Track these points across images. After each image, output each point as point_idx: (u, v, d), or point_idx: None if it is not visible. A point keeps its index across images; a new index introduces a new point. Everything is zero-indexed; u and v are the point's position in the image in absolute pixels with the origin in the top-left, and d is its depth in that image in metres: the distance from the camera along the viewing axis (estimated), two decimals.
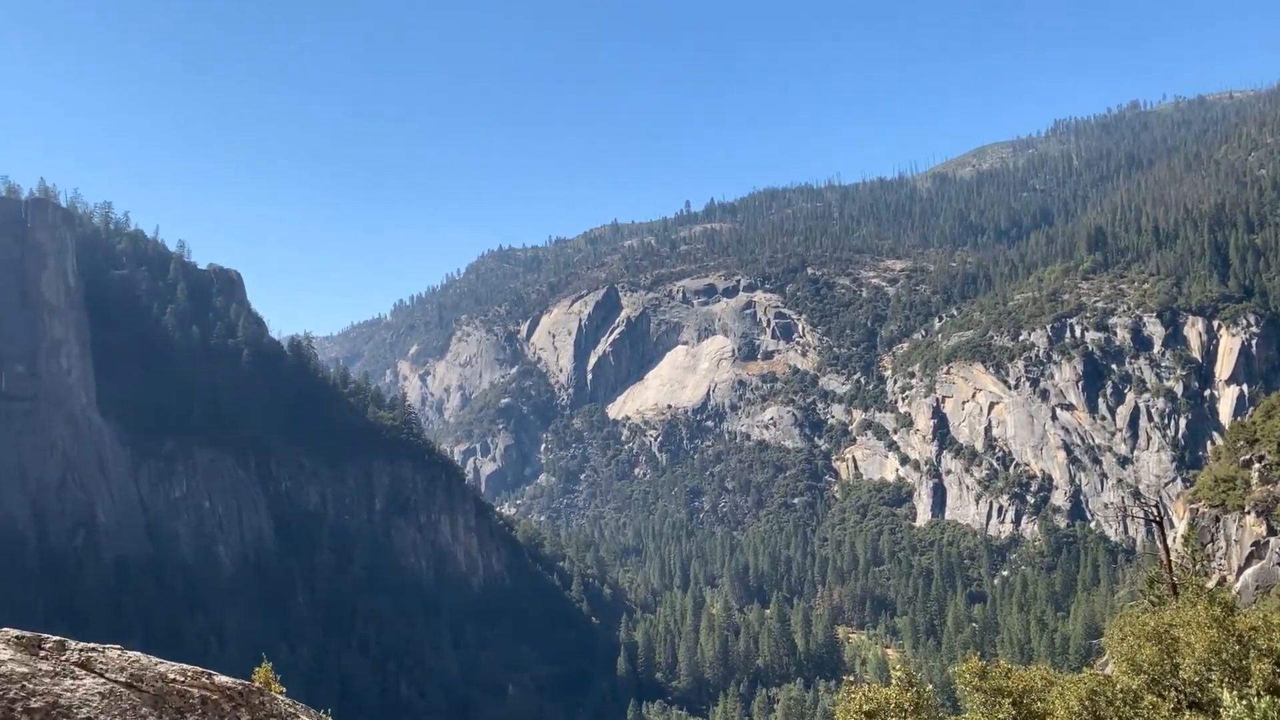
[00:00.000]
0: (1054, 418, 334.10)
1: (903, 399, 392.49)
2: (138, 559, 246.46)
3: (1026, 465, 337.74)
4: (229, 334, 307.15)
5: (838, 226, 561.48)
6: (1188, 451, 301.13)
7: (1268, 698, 25.64)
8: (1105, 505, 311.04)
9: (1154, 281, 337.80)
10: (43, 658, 13.63)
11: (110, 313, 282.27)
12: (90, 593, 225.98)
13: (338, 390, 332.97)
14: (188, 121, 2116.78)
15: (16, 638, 13.89)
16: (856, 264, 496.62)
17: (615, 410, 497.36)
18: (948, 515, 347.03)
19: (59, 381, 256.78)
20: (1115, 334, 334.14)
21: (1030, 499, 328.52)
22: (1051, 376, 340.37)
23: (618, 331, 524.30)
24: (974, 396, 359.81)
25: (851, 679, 37.31)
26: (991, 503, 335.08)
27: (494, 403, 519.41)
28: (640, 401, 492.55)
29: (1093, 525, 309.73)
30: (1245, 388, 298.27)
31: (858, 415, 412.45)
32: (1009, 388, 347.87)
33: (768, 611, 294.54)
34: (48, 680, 13.04)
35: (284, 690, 18.42)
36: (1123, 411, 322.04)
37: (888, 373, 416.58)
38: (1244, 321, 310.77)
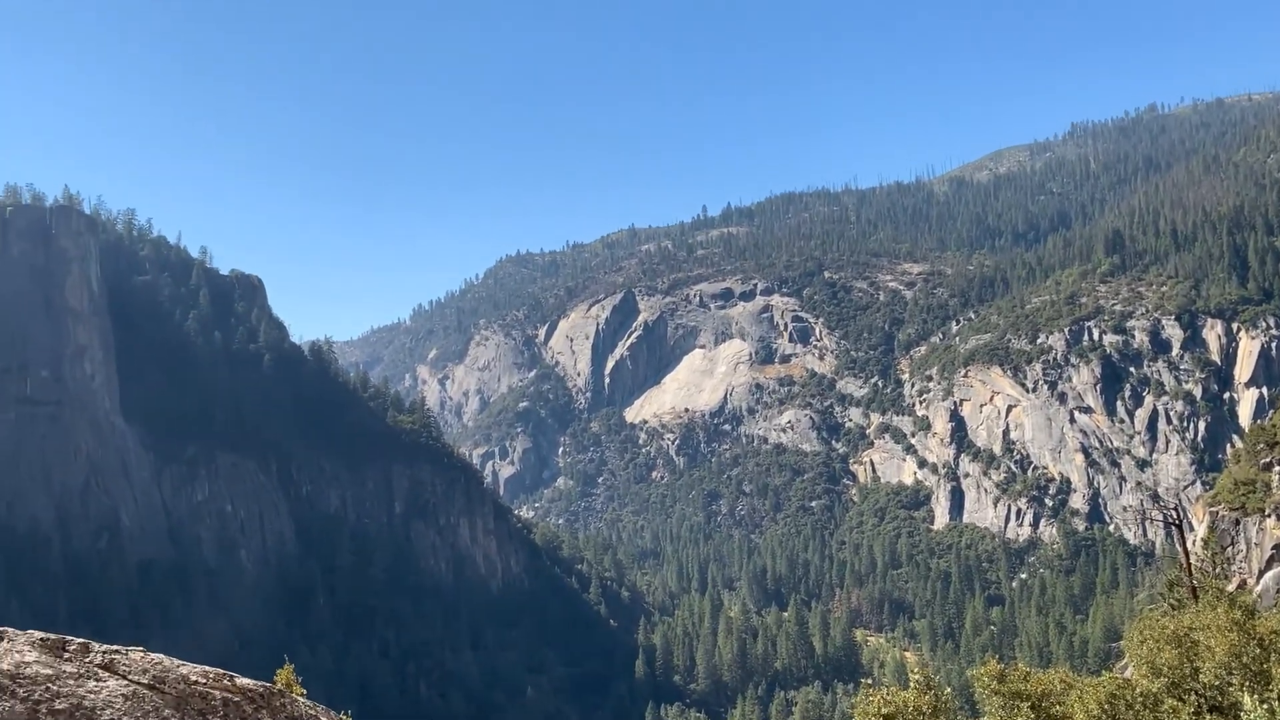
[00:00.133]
0: (1072, 421, 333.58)
1: (920, 402, 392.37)
2: (161, 562, 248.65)
3: (1045, 468, 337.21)
4: (250, 339, 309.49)
5: (855, 230, 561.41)
6: (1207, 454, 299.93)
7: None
8: (1124, 508, 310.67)
9: (1172, 284, 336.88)
10: (67, 660, 13.74)
11: (133, 318, 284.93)
12: (114, 595, 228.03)
13: (358, 394, 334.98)
14: (213, 130, 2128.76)
15: (41, 640, 14.02)
16: (874, 267, 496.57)
17: (633, 414, 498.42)
18: (966, 518, 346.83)
19: (83, 386, 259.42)
20: (1133, 337, 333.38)
21: (1048, 502, 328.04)
22: (1069, 379, 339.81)
23: (635, 335, 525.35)
24: (992, 399, 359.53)
25: (870, 682, 37.58)
26: (1010, 506, 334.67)
27: (512, 406, 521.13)
28: (658, 405, 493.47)
29: (1111, 528, 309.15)
30: (1265, 390, 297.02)
31: (875, 418, 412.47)
32: (1027, 391, 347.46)
33: (786, 614, 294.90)
34: (72, 682, 13.16)
35: (305, 692, 18.55)
36: (1141, 414, 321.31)
37: (905, 376, 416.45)
38: (1264, 324, 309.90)
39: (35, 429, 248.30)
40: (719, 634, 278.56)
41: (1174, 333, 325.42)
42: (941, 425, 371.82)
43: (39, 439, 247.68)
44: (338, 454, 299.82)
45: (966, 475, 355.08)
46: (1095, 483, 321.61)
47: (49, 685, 12.83)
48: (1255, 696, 27.15)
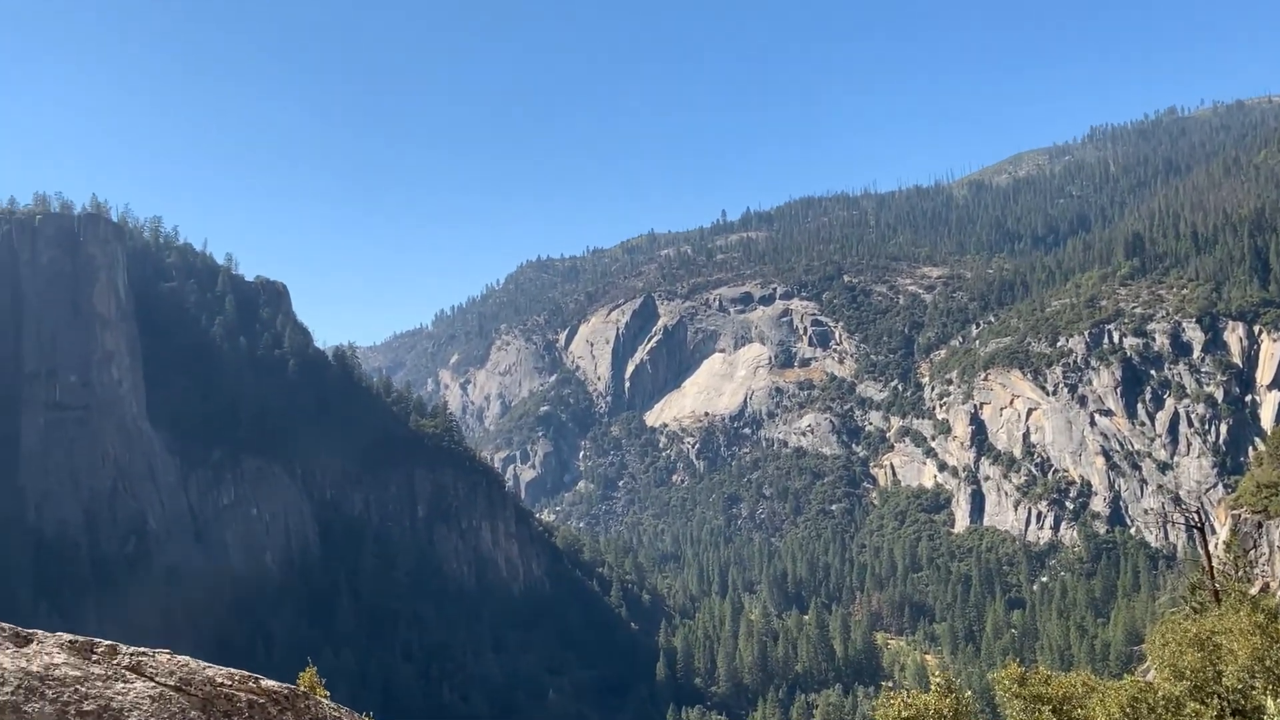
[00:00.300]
0: (1092, 424, 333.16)
1: (940, 406, 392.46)
2: (187, 565, 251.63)
3: (1065, 471, 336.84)
4: (275, 345, 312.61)
5: (874, 234, 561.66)
6: (1229, 457, 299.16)
7: None
8: (1145, 511, 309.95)
9: (1193, 287, 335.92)
10: (95, 662, 13.87)
11: (160, 324, 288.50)
12: (141, 598, 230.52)
13: (381, 399, 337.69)
14: (239, 139, 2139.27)
15: (70, 642, 14.15)
16: (893, 271, 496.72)
17: (653, 418, 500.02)
18: (986, 521, 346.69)
19: (110, 392, 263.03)
20: (1154, 340, 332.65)
21: (1069, 505, 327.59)
22: (1090, 382, 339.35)
23: (655, 340, 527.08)
24: (1012, 403, 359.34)
25: (890, 685, 38.29)
26: (1030, 509, 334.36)
27: (533, 411, 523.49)
28: (678, 409, 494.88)
29: (1133, 531, 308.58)
30: None
31: (895, 422, 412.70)
32: (1047, 394, 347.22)
33: (806, 617, 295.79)
34: (100, 684, 13.30)
35: (328, 694, 18.76)
36: (1162, 417, 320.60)
37: (925, 380, 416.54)
38: None
39: (64, 433, 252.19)
40: (740, 637, 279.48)
41: (1195, 335, 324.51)
42: (961, 428, 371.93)
43: (68, 443, 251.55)
44: (361, 458, 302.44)
45: (987, 478, 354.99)
46: (1116, 486, 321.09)
47: (77, 687, 12.99)
48: (1278, 700, 27.18)
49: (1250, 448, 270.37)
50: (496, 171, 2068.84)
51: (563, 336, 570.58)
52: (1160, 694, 30.31)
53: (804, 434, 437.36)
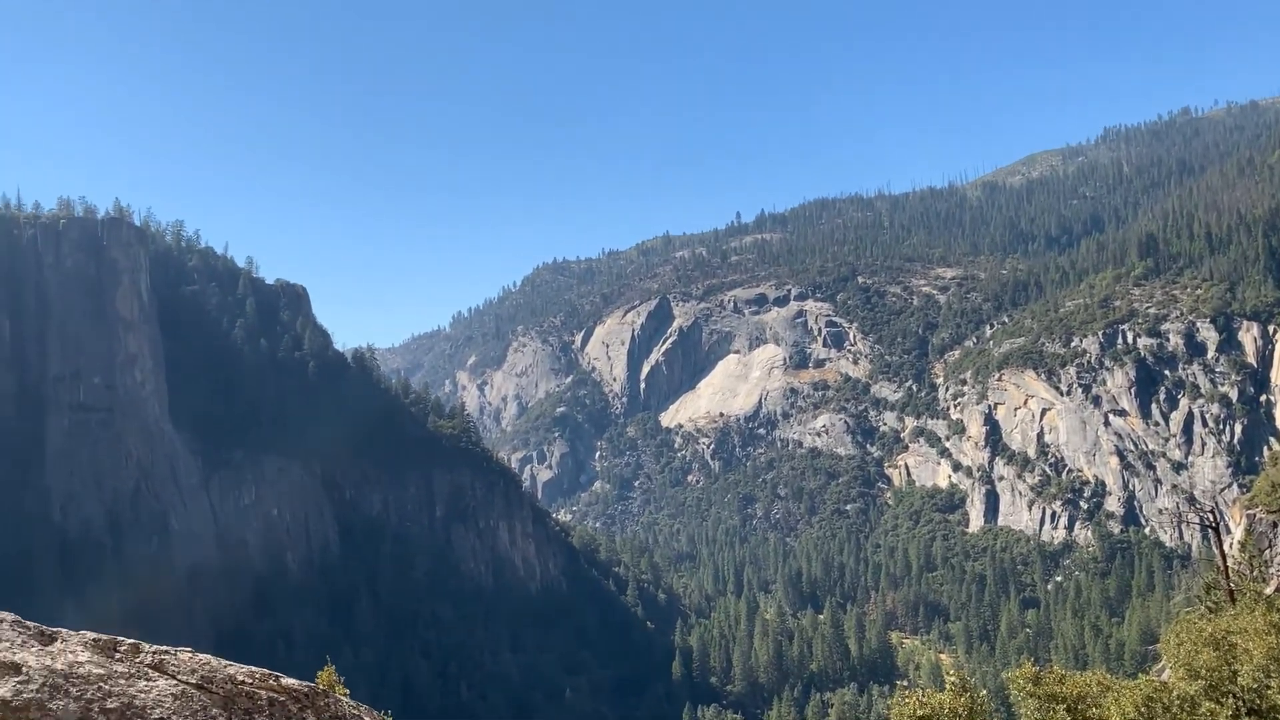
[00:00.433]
0: (1106, 424, 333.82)
1: (955, 406, 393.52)
2: (209, 565, 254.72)
3: (1079, 471, 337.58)
4: (295, 347, 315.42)
5: (888, 235, 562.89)
6: (1244, 457, 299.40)
7: None
8: (1160, 511, 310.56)
9: (1207, 287, 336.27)
10: (118, 660, 14.05)
11: (182, 327, 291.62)
12: (164, 597, 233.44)
13: (399, 400, 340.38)
14: (261, 145, 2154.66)
15: (94, 640, 14.33)
16: (907, 272, 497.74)
17: (668, 418, 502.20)
18: (1000, 521, 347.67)
19: (133, 393, 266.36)
20: (1168, 340, 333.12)
21: (1083, 505, 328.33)
22: (1104, 383, 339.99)
23: (670, 341, 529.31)
24: (1026, 403, 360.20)
25: (905, 684, 39.49)
26: (1044, 509, 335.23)
27: (550, 411, 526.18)
28: (693, 410, 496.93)
29: (1147, 531, 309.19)
30: None
31: (910, 422, 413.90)
32: (1061, 394, 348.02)
33: (821, 617, 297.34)
34: (123, 682, 13.46)
35: (348, 692, 19.05)
36: (1176, 417, 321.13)
37: (939, 380, 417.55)
38: None
39: (88, 434, 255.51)
40: (755, 636, 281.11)
41: (1209, 335, 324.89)
42: (976, 429, 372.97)
43: (91, 444, 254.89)
44: (380, 459, 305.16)
45: (1001, 478, 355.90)
46: (1130, 485, 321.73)
47: (101, 685, 13.15)
48: None
49: (1265, 447, 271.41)
50: (514, 175, 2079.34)
51: (579, 338, 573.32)
52: (1175, 693, 30.42)
53: (819, 434, 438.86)
